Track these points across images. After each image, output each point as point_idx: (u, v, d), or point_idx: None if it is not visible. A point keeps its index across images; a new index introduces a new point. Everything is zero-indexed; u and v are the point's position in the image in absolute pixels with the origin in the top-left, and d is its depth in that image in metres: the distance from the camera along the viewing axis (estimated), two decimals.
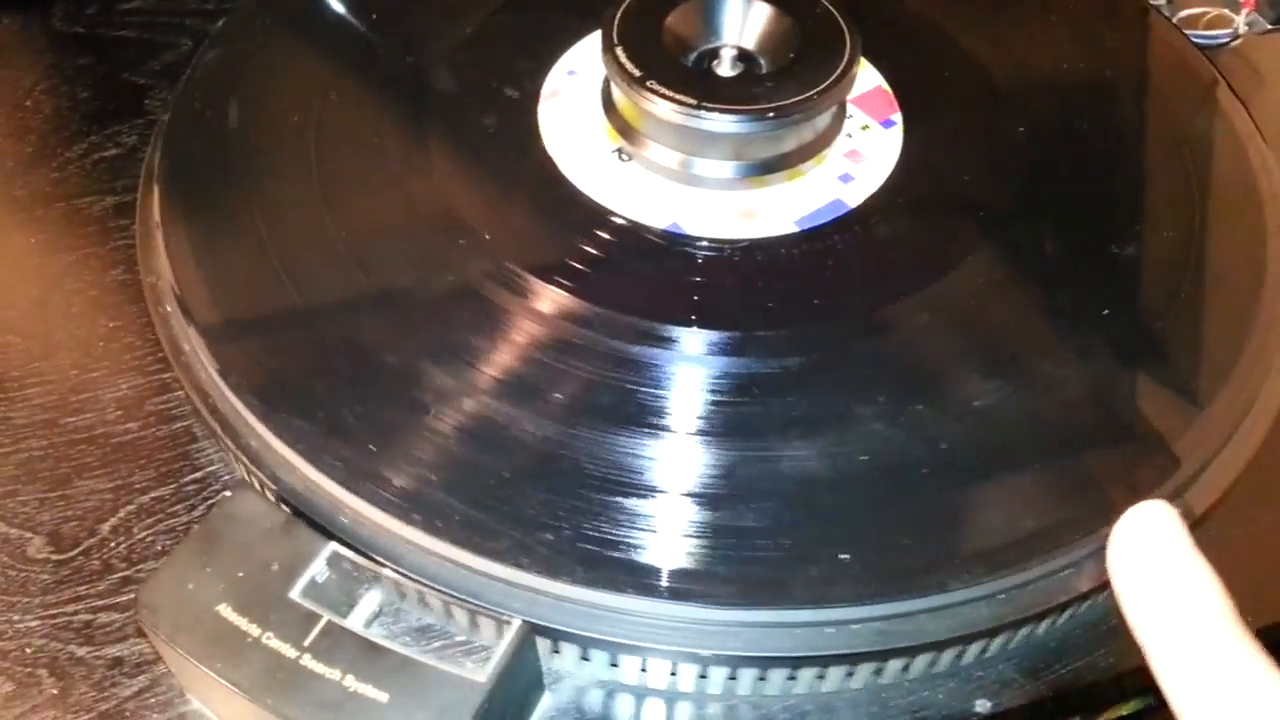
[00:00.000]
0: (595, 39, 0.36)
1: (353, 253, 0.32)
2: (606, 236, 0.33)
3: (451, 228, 0.33)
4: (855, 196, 0.34)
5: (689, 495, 0.27)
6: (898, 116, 0.37)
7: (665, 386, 0.29)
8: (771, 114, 0.33)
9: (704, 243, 0.33)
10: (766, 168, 0.35)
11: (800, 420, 0.28)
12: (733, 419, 0.28)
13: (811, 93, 0.33)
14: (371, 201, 0.34)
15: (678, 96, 0.33)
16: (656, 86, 0.33)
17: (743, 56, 0.36)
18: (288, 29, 0.40)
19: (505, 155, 0.36)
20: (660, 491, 0.27)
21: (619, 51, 0.34)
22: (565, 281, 0.31)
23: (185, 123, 0.36)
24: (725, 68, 0.36)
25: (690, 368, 0.29)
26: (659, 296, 0.31)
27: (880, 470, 0.27)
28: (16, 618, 0.29)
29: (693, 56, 0.36)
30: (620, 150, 0.36)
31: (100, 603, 0.29)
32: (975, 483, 0.28)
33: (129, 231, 0.38)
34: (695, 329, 0.30)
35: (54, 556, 0.30)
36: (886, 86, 0.38)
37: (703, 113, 0.33)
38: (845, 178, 0.35)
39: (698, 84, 0.34)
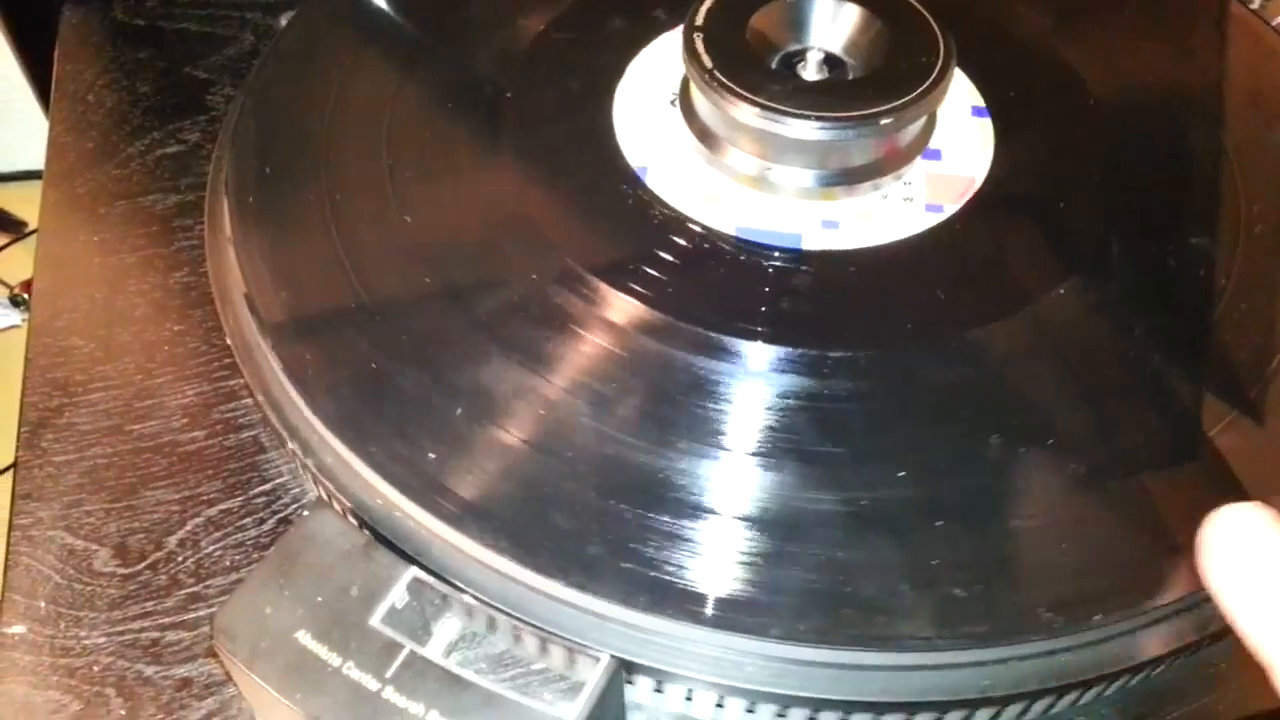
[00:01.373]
0: (675, 35, 0.35)
1: (431, 258, 0.31)
2: (682, 243, 0.32)
3: (525, 232, 0.32)
4: (940, 211, 0.33)
5: (787, 529, 0.26)
6: (988, 126, 0.35)
7: (767, 412, 0.28)
8: (856, 121, 0.32)
9: (776, 252, 0.32)
10: (849, 177, 0.33)
11: (917, 453, 0.27)
12: (838, 455, 0.27)
13: (901, 101, 0.32)
14: (446, 203, 0.33)
15: (758, 99, 0.32)
16: (737, 88, 0.32)
17: (829, 60, 0.34)
18: (356, 26, 0.39)
19: (580, 157, 0.34)
20: (760, 524, 0.26)
21: (700, 50, 0.33)
22: (705, 317, 0.30)
23: (254, 121, 0.35)
24: (810, 71, 0.34)
25: (797, 388, 0.28)
26: (736, 306, 0.30)
27: (982, 506, 0.26)
28: (84, 633, 0.28)
29: (777, 58, 0.35)
30: (696, 150, 0.34)
31: (168, 620, 0.28)
32: (1072, 524, 0.26)
33: (192, 232, 0.38)
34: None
35: (120, 570, 0.29)
36: (977, 94, 0.36)
37: (784, 117, 0.32)
38: (931, 189, 0.33)
39: (780, 87, 0.32)
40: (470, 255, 0.32)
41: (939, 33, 0.33)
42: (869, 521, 0.26)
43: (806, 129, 0.31)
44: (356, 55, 0.38)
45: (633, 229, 0.32)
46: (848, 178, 0.33)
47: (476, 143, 0.35)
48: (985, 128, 0.35)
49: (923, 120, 0.34)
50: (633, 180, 0.33)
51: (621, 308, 0.30)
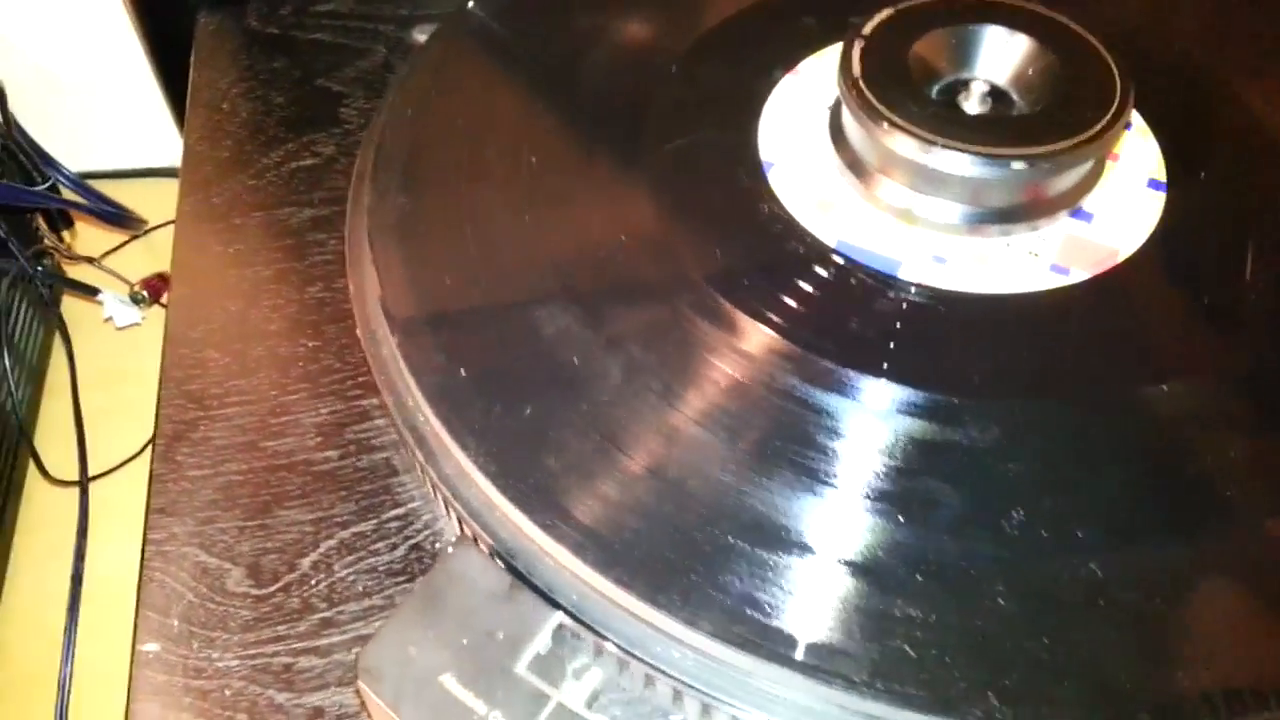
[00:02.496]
0: (829, 55, 0.33)
1: (572, 282, 0.30)
2: (822, 274, 0.30)
3: (663, 255, 0.31)
4: (1065, 274, 0.30)
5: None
6: (1159, 200, 0.33)
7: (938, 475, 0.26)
8: (1017, 160, 0.30)
9: (918, 289, 0.30)
10: (1006, 216, 0.32)
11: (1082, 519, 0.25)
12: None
13: (1070, 142, 0.30)
14: (586, 223, 0.32)
15: (915, 130, 0.30)
16: (894, 118, 0.31)
17: (994, 93, 0.33)
18: (495, 43, 0.39)
19: (722, 178, 0.33)
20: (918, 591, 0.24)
21: (858, 77, 0.32)
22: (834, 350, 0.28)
23: (395, 137, 0.35)
24: (973, 103, 0.33)
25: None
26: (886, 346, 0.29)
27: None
28: (216, 655, 0.28)
29: (938, 87, 0.33)
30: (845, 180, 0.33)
31: (300, 645, 0.28)
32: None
33: (326, 247, 0.37)
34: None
35: (254, 591, 0.29)
36: (1161, 166, 0.34)
37: (938, 150, 0.30)
38: (1065, 251, 0.31)
39: (940, 119, 0.31)
40: (611, 282, 0.31)
41: (1115, 70, 0.31)
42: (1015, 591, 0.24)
43: (960, 164, 0.30)
44: (496, 72, 0.37)
45: (766, 252, 0.31)
46: (1004, 216, 0.32)
47: (617, 158, 0.34)
48: (1156, 202, 0.32)
49: (1076, 175, 0.32)
50: (771, 199, 0.32)
51: (779, 350, 0.28)
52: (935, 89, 0.33)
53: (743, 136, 0.34)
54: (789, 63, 0.37)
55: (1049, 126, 0.30)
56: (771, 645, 0.23)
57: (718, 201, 0.33)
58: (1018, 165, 0.30)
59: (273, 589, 0.29)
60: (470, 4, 0.40)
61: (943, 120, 0.30)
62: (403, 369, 0.29)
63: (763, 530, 0.25)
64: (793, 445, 0.27)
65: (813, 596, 0.24)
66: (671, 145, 0.34)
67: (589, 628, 0.24)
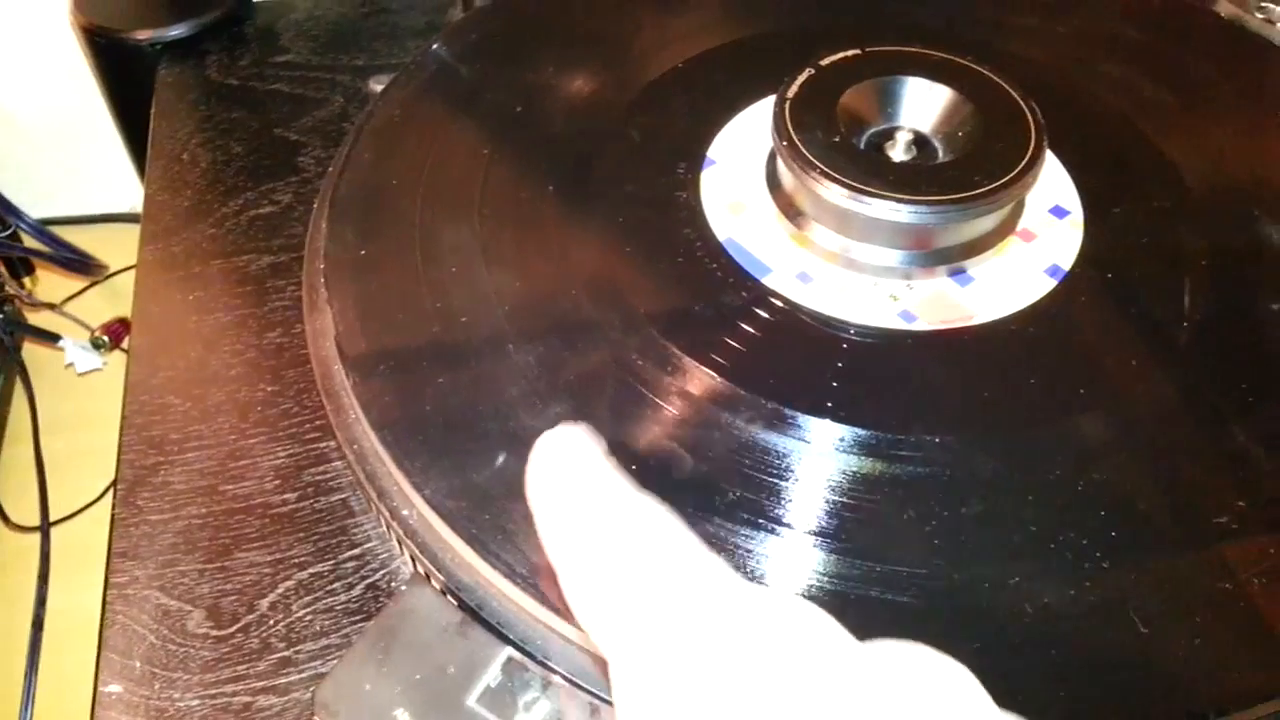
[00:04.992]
0: (764, 106, 0.35)
1: (524, 327, 0.32)
2: (774, 321, 0.32)
3: (613, 302, 0.32)
4: (952, 319, 0.32)
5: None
6: (1076, 204, 0.35)
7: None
8: (950, 205, 0.32)
9: (874, 336, 0.32)
10: (936, 258, 0.33)
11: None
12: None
13: (991, 185, 0.32)
14: (537, 271, 0.33)
15: (844, 179, 0.32)
16: (824, 168, 0.32)
17: (918, 141, 0.35)
18: (448, 94, 0.40)
19: (667, 227, 0.35)
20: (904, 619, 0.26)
21: (789, 129, 0.33)
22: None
23: (352, 183, 0.36)
24: (899, 151, 0.34)
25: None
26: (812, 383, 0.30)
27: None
28: (178, 695, 0.29)
29: (866, 137, 0.35)
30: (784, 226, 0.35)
31: (260, 684, 0.29)
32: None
33: (285, 293, 0.38)
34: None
35: (214, 632, 0.30)
36: (1068, 177, 0.36)
37: (866, 199, 0.32)
38: (959, 297, 0.33)
39: (867, 168, 0.33)
40: (562, 327, 0.32)
41: (1030, 116, 0.33)
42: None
43: (890, 211, 0.32)
44: (450, 119, 0.39)
45: (710, 297, 0.33)
46: (934, 259, 0.33)
47: (565, 206, 0.35)
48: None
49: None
50: (715, 250, 0.34)
51: (723, 393, 0.30)
52: (864, 138, 0.35)
53: (693, 206, 0.35)
54: (733, 109, 0.39)
55: (946, 181, 0.32)
56: None
57: (659, 241, 0.34)
58: (991, 205, 0.32)
59: (232, 630, 0.30)
60: (428, 51, 0.41)
61: (838, 159, 0.32)
62: (356, 409, 0.30)
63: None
64: (729, 472, 0.28)
65: None
66: (618, 189, 0.36)
67: (537, 661, 0.25)
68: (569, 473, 0.20)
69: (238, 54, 0.49)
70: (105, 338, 0.66)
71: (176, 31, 0.50)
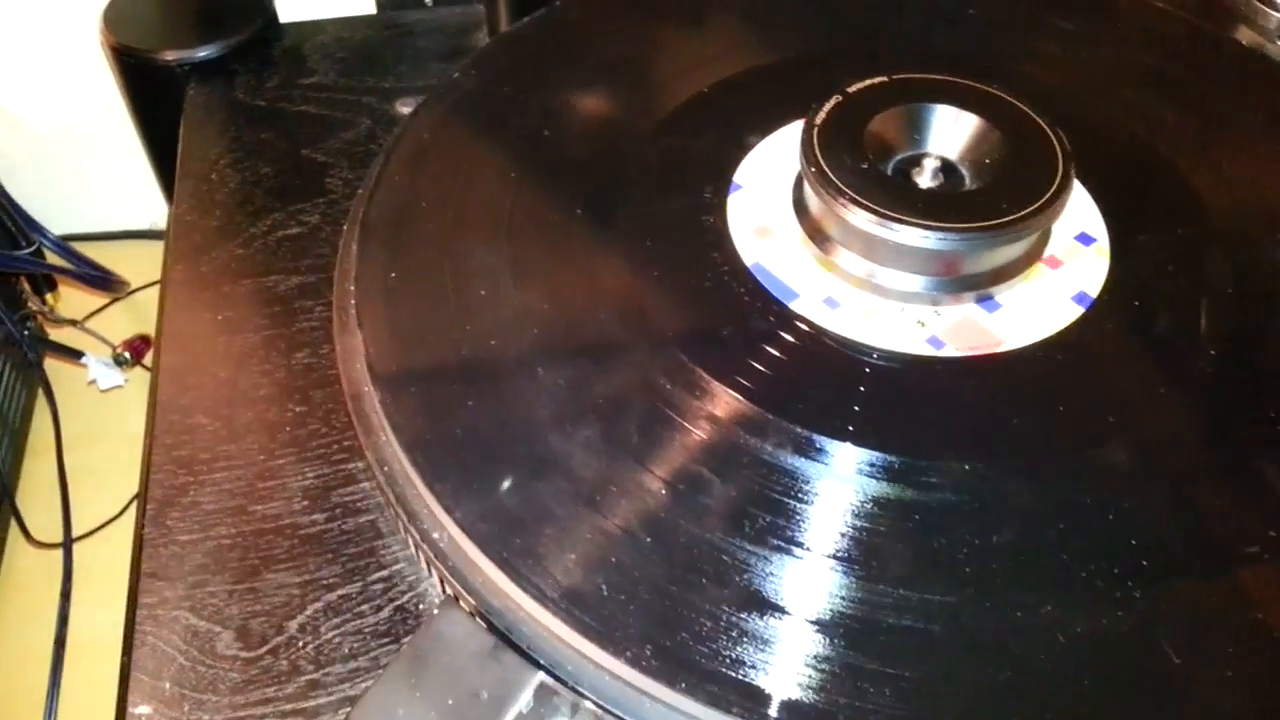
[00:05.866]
0: (789, 132, 0.35)
1: (553, 350, 0.32)
2: (801, 346, 0.32)
3: (642, 326, 0.32)
4: (980, 345, 0.32)
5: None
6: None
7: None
8: (977, 232, 0.32)
9: (901, 361, 0.32)
10: (964, 285, 0.33)
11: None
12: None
13: (1019, 213, 0.32)
14: (566, 294, 0.34)
15: (871, 206, 0.32)
16: (852, 194, 0.32)
17: (945, 167, 0.35)
18: (477, 117, 0.40)
19: (694, 251, 0.35)
20: (908, 642, 0.26)
21: (818, 154, 0.34)
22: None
23: (382, 205, 0.36)
24: (926, 178, 0.35)
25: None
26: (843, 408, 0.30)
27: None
28: (206, 717, 0.29)
29: (893, 163, 0.35)
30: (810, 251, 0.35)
31: (288, 707, 0.29)
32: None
33: (313, 314, 0.39)
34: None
35: (242, 654, 0.30)
36: (1093, 204, 0.36)
37: (893, 225, 0.32)
38: (988, 323, 0.33)
39: (895, 194, 0.33)
40: (591, 351, 0.32)
41: (1058, 145, 0.33)
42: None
43: (915, 237, 0.32)
44: (479, 142, 0.39)
45: (737, 321, 0.33)
46: (961, 285, 0.33)
47: (592, 227, 0.36)
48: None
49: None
50: (742, 274, 0.34)
51: (751, 418, 0.30)
52: (891, 164, 0.35)
53: (720, 230, 0.36)
54: (759, 134, 0.39)
55: (973, 208, 0.32)
56: (744, 703, 0.25)
57: (686, 264, 0.35)
58: (1016, 234, 0.32)
59: (261, 651, 0.30)
60: (456, 75, 0.42)
61: (865, 184, 0.33)
62: (387, 431, 0.30)
63: (735, 589, 0.26)
64: (757, 497, 0.28)
65: (785, 655, 0.25)
66: (645, 212, 0.36)
67: (569, 686, 0.25)
68: None
69: (265, 75, 0.50)
70: (127, 354, 0.67)
71: (205, 53, 0.51)
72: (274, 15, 0.53)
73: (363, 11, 0.54)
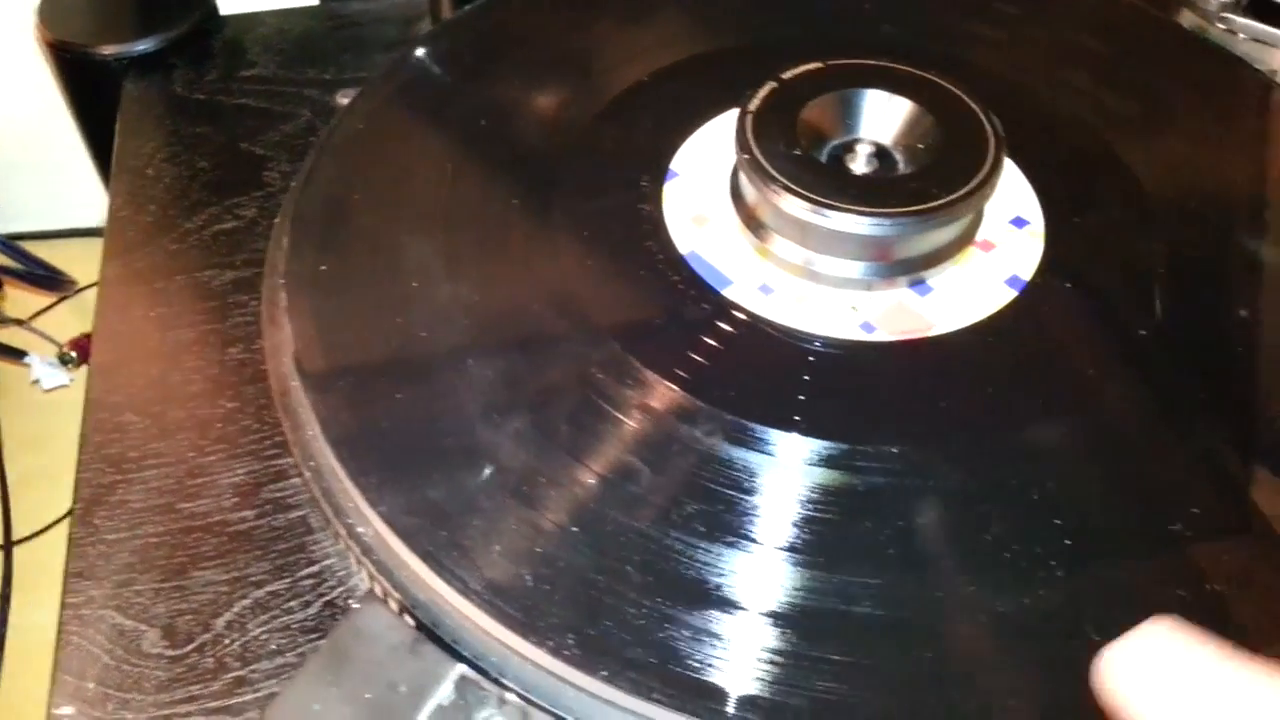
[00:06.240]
0: (729, 119, 0.35)
1: (484, 341, 0.31)
2: (734, 333, 0.32)
3: (574, 315, 0.32)
4: (911, 330, 0.32)
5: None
6: (1038, 215, 0.35)
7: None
8: (906, 217, 0.32)
9: (834, 346, 0.32)
10: (896, 269, 0.33)
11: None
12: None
13: (948, 198, 0.32)
14: (499, 285, 0.33)
15: (802, 192, 0.32)
16: (785, 181, 0.32)
17: (880, 153, 0.35)
18: (413, 109, 0.40)
19: (630, 241, 0.35)
20: (827, 628, 0.26)
21: (751, 141, 0.33)
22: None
23: (314, 198, 0.36)
24: (860, 164, 0.34)
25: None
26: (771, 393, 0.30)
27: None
28: (131, 716, 0.28)
29: (828, 149, 0.35)
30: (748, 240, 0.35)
31: (214, 704, 0.28)
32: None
33: (247, 308, 0.38)
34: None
35: (168, 652, 0.29)
36: (1030, 188, 0.36)
37: (823, 211, 0.32)
38: (919, 307, 0.33)
39: (827, 180, 0.33)
40: (523, 342, 0.32)
41: (988, 127, 0.33)
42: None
43: (849, 223, 0.32)
44: (412, 136, 0.39)
45: (670, 309, 0.33)
46: (897, 270, 0.33)
47: (528, 219, 0.35)
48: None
49: (969, 216, 0.34)
50: (676, 262, 0.34)
51: (680, 403, 0.30)
52: (825, 151, 0.35)
53: (655, 219, 0.35)
54: (698, 121, 0.39)
55: (904, 193, 0.32)
56: (665, 689, 0.24)
57: (621, 253, 0.34)
58: (948, 217, 0.32)
59: (187, 649, 0.29)
60: (392, 65, 0.41)
61: (799, 171, 0.33)
62: (313, 425, 0.30)
63: (660, 577, 0.26)
64: (682, 484, 0.28)
65: (706, 641, 0.25)
66: (581, 202, 0.36)
67: (491, 678, 0.25)
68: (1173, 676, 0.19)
69: (204, 68, 0.49)
70: (73, 353, 0.66)
71: (143, 46, 0.50)
72: (214, 7, 0.52)
73: (305, 2, 0.53)
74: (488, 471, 0.28)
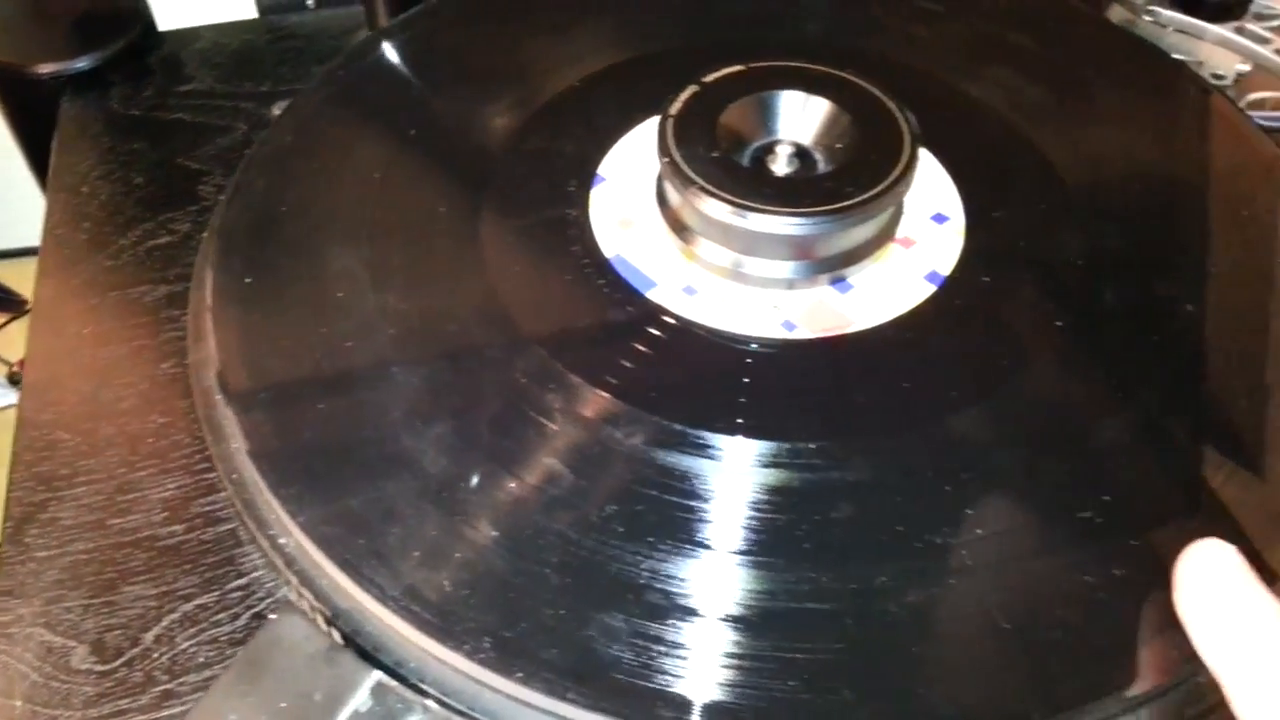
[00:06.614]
0: (652, 125, 0.36)
1: (408, 353, 0.32)
2: (662, 336, 0.32)
3: (499, 321, 0.32)
4: (830, 327, 0.32)
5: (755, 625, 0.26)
6: (958, 210, 0.36)
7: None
8: (823, 216, 0.32)
9: (754, 344, 0.32)
10: (817, 268, 0.34)
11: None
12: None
13: (863, 196, 0.32)
14: (426, 296, 0.34)
15: (718, 193, 0.33)
16: (703, 183, 0.33)
17: (800, 153, 0.35)
18: (342, 120, 0.40)
19: (556, 246, 0.35)
20: (741, 624, 0.26)
21: (672, 147, 0.34)
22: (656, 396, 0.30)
23: (241, 212, 0.36)
24: (781, 165, 0.35)
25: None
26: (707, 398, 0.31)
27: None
28: None
29: (750, 151, 0.35)
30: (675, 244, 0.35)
31: (142, 718, 0.29)
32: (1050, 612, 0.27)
33: (179, 323, 0.38)
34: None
35: (97, 667, 0.29)
36: (952, 184, 0.37)
37: (742, 212, 0.32)
38: (839, 305, 0.33)
39: (746, 182, 0.33)
40: (448, 349, 0.32)
41: (903, 124, 0.34)
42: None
43: (769, 224, 0.32)
44: (341, 147, 0.39)
45: (594, 313, 0.33)
46: (819, 268, 0.34)
47: (455, 229, 0.36)
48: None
49: (888, 212, 0.34)
50: (602, 266, 0.34)
51: (600, 404, 0.30)
52: (747, 154, 0.35)
53: (582, 226, 0.36)
54: (626, 126, 0.39)
55: (821, 192, 0.33)
56: (579, 689, 0.25)
57: (548, 258, 0.35)
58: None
59: (116, 664, 0.30)
60: (322, 77, 0.42)
61: (719, 174, 0.33)
62: (237, 439, 0.30)
63: (575, 578, 0.27)
64: (597, 483, 0.28)
65: (620, 640, 0.26)
66: (509, 208, 0.36)
67: (408, 683, 0.25)
68: (1223, 589, 0.22)
69: (142, 84, 0.49)
70: (22, 373, 0.66)
71: (81, 64, 0.50)
72: (151, 23, 0.52)
73: (244, 16, 0.54)
74: (475, 480, 0.28)
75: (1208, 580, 0.23)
